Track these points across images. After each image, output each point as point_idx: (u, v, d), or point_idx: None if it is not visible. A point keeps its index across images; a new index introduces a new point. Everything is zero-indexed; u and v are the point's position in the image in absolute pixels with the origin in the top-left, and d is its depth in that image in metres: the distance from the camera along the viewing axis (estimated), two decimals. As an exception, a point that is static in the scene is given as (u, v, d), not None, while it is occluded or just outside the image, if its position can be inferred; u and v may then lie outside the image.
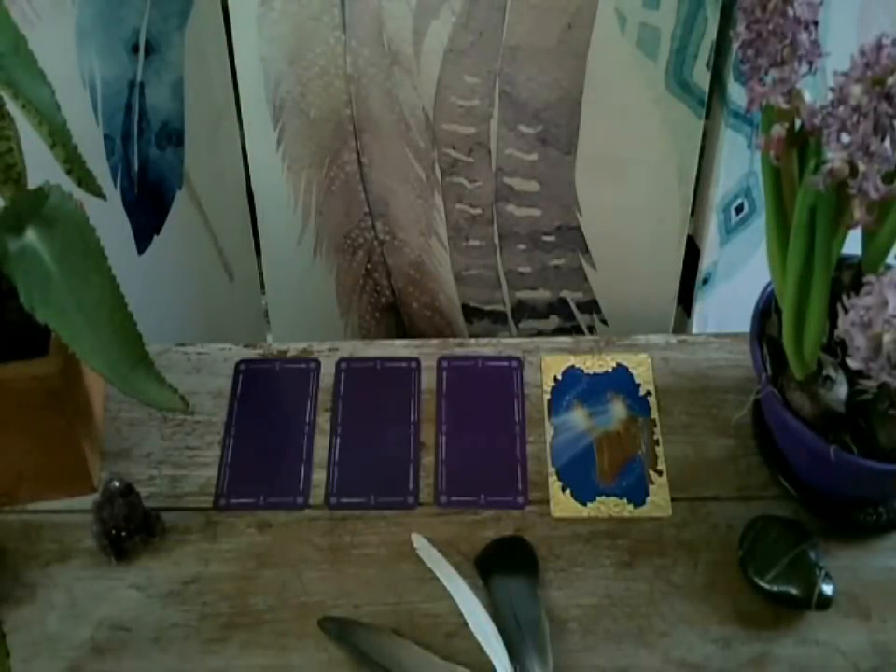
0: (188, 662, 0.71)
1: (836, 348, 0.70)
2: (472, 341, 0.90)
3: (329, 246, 1.00)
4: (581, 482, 0.79)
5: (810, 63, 0.64)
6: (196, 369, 0.87)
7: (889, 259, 0.70)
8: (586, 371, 0.86)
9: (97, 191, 0.70)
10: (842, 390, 0.70)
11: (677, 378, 0.85)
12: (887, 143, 0.59)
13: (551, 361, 0.87)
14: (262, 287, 1.07)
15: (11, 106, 0.66)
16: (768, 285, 0.76)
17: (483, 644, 0.70)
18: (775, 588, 0.71)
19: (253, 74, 0.89)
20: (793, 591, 0.71)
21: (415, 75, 0.87)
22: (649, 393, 0.84)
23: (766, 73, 0.65)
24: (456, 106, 0.88)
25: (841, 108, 0.59)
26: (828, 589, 0.70)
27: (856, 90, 0.58)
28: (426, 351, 0.88)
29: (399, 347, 0.89)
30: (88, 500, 0.76)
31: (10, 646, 0.63)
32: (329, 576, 0.75)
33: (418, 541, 0.76)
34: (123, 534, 0.74)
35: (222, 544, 0.77)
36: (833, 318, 0.65)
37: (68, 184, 0.67)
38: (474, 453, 0.81)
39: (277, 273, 1.03)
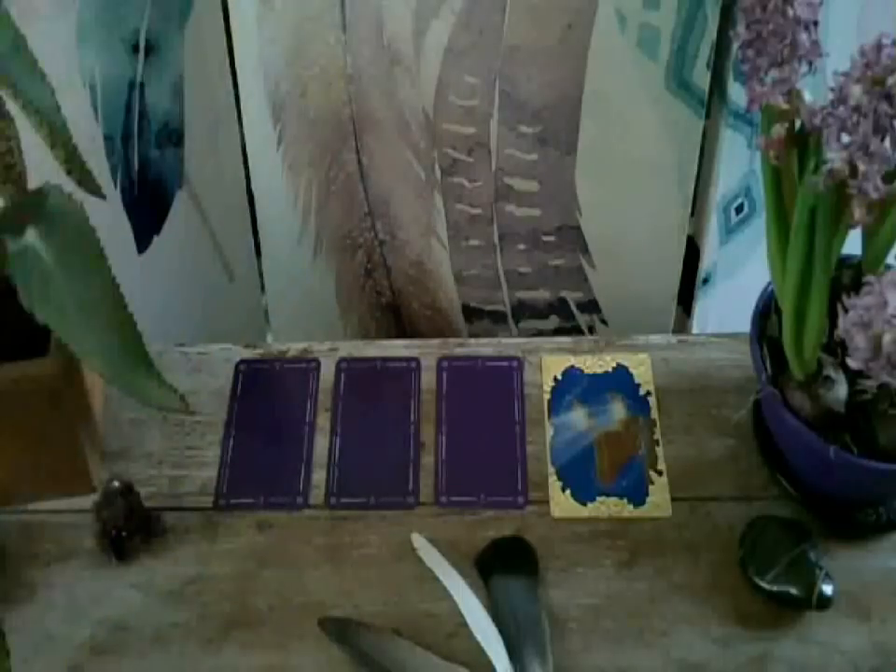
0: (188, 662, 0.71)
1: (836, 348, 0.70)
2: (472, 341, 0.89)
3: (329, 246, 1.00)
4: (581, 482, 0.79)
5: (810, 63, 0.64)
6: (196, 369, 0.87)
7: (889, 259, 0.71)
8: (586, 370, 0.86)
9: (97, 191, 0.70)
10: (842, 390, 0.70)
11: (677, 378, 0.85)
12: (887, 143, 0.59)
13: (551, 361, 0.87)
14: (262, 287, 1.07)
15: (11, 106, 0.66)
16: (768, 285, 0.75)
17: (483, 644, 0.70)
18: (775, 588, 0.71)
19: (253, 74, 0.89)
20: (793, 591, 0.71)
21: (415, 74, 0.87)
22: (649, 393, 0.84)
23: (766, 73, 0.65)
24: (456, 106, 0.88)
25: (841, 108, 0.59)
26: (828, 589, 0.70)
27: (856, 90, 0.58)
28: (426, 351, 0.88)
29: (399, 347, 0.89)
30: (88, 500, 0.76)
31: (10, 646, 0.63)
32: (329, 576, 0.75)
33: (418, 541, 0.76)
34: (123, 534, 0.74)
35: (222, 544, 0.77)
36: (832, 318, 0.65)
37: (68, 184, 0.67)
38: (474, 453, 0.81)
39: (277, 273, 1.03)
